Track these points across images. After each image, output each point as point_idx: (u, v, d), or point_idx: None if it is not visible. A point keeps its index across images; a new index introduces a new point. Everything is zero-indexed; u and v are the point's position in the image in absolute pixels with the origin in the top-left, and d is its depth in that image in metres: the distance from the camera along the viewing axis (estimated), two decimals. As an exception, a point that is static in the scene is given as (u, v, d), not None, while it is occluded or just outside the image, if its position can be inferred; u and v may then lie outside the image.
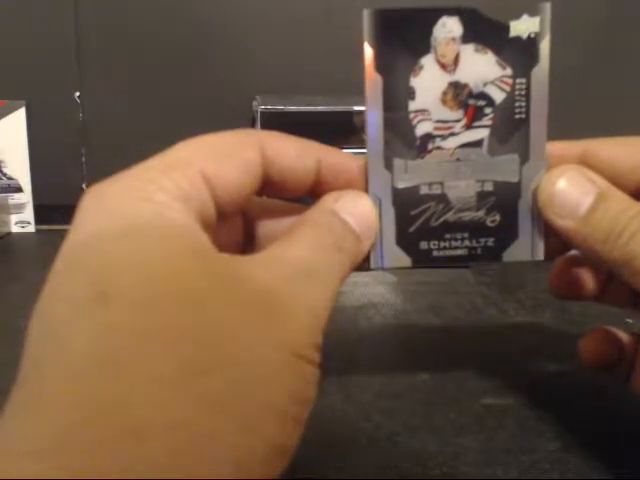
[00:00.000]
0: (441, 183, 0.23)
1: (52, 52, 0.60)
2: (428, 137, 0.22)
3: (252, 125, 0.56)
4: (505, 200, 0.23)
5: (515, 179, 0.23)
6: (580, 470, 0.25)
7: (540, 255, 0.24)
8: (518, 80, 0.22)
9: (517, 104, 0.22)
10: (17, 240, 0.58)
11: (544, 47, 0.22)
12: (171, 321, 0.15)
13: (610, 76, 0.63)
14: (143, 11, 0.60)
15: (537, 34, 0.22)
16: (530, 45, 0.22)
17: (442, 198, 0.23)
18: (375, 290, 0.45)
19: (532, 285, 0.46)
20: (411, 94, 0.22)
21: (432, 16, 0.21)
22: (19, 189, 0.60)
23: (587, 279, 0.27)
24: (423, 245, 0.23)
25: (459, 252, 0.23)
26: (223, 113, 0.61)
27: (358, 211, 0.21)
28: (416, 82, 0.22)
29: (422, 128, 0.22)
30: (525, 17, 0.22)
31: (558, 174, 0.22)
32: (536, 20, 0.22)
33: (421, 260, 0.23)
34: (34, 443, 0.14)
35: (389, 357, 0.36)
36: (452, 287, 0.46)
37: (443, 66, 0.22)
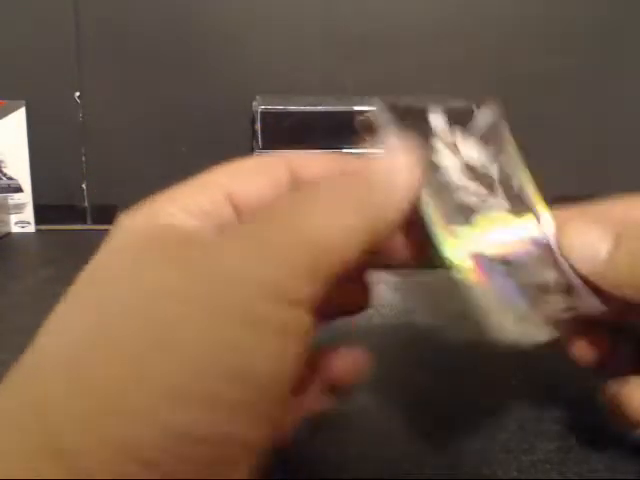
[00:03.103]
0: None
1: (52, 52, 0.60)
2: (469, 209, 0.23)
3: (252, 125, 0.56)
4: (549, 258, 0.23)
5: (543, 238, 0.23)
6: (580, 470, 0.26)
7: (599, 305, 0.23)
8: (499, 157, 0.23)
9: (509, 174, 0.23)
10: (17, 240, 0.58)
11: (505, 131, 0.24)
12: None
13: (608, 77, 0.63)
14: (143, 11, 0.60)
15: (495, 123, 0.23)
16: (494, 130, 0.24)
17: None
18: (375, 290, 0.45)
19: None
20: (443, 170, 0.22)
21: (422, 113, 0.22)
22: (19, 189, 0.60)
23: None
24: None
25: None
26: (223, 113, 0.60)
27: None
28: (440, 161, 0.23)
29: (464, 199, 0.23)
30: (482, 109, 0.24)
31: (570, 228, 0.23)
32: (489, 112, 0.24)
33: None
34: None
35: (389, 357, 0.36)
36: (452, 287, 0.46)
37: (451, 149, 0.23)
